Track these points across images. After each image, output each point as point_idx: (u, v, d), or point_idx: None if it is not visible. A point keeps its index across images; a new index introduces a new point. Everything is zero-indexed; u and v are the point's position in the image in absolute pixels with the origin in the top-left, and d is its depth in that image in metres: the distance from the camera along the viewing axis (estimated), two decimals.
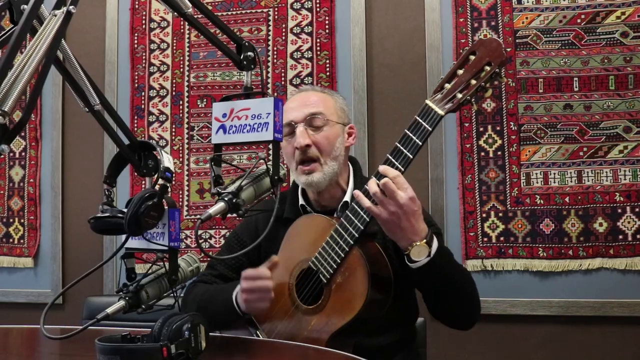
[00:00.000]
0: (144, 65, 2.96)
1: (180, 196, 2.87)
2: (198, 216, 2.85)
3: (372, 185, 1.58)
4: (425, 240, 1.59)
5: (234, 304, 1.73)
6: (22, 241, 3.09)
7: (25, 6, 1.09)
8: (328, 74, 2.74)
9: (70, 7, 1.08)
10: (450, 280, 1.66)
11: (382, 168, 1.60)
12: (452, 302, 1.70)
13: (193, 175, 2.88)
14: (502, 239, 2.53)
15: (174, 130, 2.91)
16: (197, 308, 1.77)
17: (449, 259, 1.70)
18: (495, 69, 1.58)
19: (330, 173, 1.83)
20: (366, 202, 1.59)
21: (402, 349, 1.83)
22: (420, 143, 1.59)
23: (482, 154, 2.57)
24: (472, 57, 1.60)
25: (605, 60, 2.47)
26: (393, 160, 1.61)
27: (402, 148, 1.60)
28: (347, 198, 1.85)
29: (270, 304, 1.70)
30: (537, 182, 2.51)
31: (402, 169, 1.59)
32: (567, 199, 2.48)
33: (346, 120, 1.94)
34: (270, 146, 1.32)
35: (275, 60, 2.81)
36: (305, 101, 1.88)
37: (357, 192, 1.62)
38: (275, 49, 2.81)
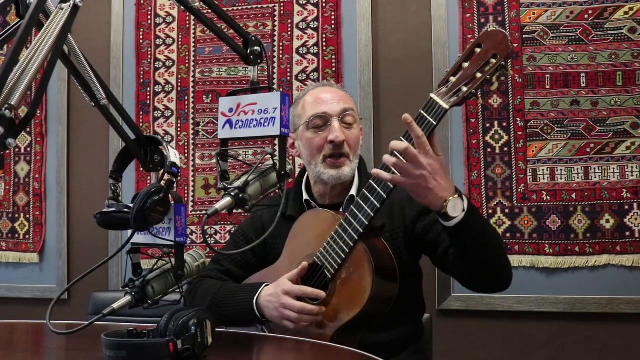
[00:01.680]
0: (149, 60, 2.96)
1: (186, 192, 2.87)
2: (204, 212, 2.85)
3: (389, 158, 1.54)
4: (457, 195, 1.55)
5: (254, 307, 1.72)
6: (27, 237, 3.09)
7: (32, 0, 1.08)
8: (334, 69, 2.74)
9: (77, 0, 1.07)
10: (486, 233, 1.62)
11: (392, 144, 1.56)
12: (490, 257, 1.63)
13: (198, 171, 2.87)
14: (508, 235, 2.52)
15: (179, 125, 2.91)
16: (209, 306, 1.76)
17: (479, 212, 1.70)
18: (501, 62, 1.54)
19: (354, 169, 1.85)
20: (387, 176, 1.55)
21: (408, 345, 1.83)
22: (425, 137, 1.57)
23: (489, 150, 2.56)
24: (478, 50, 1.57)
25: (613, 56, 2.46)
26: (397, 155, 1.59)
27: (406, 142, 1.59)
28: (353, 192, 1.85)
29: None
30: (544, 179, 2.50)
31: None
32: (573, 196, 2.47)
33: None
34: (277, 141, 1.32)
35: (281, 56, 2.80)
36: (336, 95, 1.87)
37: (376, 171, 1.58)
38: (281, 44, 2.81)
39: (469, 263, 1.66)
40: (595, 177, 2.46)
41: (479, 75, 1.54)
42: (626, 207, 2.43)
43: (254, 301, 1.72)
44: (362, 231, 1.61)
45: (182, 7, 1.30)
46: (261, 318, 1.72)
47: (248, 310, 1.72)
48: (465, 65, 1.57)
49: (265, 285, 1.74)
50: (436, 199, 1.54)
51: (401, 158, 1.53)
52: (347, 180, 1.84)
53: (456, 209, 1.54)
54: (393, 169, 1.54)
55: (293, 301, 1.64)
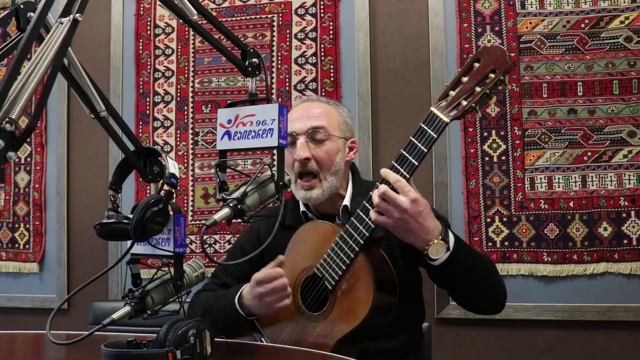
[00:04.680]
0: (148, 70, 2.97)
1: (185, 201, 2.88)
2: (203, 221, 2.85)
3: (375, 197, 1.58)
4: (441, 237, 1.58)
5: (236, 307, 1.74)
6: (27, 246, 3.10)
7: (32, 14, 1.10)
8: (332, 79, 2.75)
9: (77, 15, 1.09)
10: (473, 270, 1.65)
11: (384, 171, 1.60)
12: (478, 291, 1.70)
13: (198, 181, 2.88)
14: (506, 243, 2.53)
15: (178, 135, 2.92)
16: (201, 315, 1.78)
17: (468, 250, 1.71)
18: (499, 77, 1.57)
19: (329, 188, 1.84)
20: (372, 214, 1.60)
21: (408, 353, 1.84)
22: (426, 150, 1.59)
23: (487, 158, 2.57)
24: (477, 65, 1.59)
25: (609, 65, 2.47)
26: (398, 167, 1.60)
27: (407, 155, 1.60)
28: (346, 202, 1.86)
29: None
30: (542, 187, 2.51)
31: (407, 176, 1.59)
32: (571, 204, 2.48)
33: (349, 134, 1.94)
34: (275, 152, 1.33)
35: (279, 66, 2.82)
36: (309, 112, 1.88)
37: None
38: (279, 54, 2.82)
39: (455, 294, 1.76)
40: (592, 186, 2.47)
41: (478, 89, 1.57)
42: (624, 215, 2.44)
43: (236, 300, 1.74)
44: (363, 243, 1.62)
45: (181, 20, 1.31)
46: (247, 317, 1.74)
47: (232, 311, 1.74)
48: (465, 79, 1.60)
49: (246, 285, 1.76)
50: (418, 241, 1.59)
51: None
52: (318, 202, 1.85)
53: (439, 251, 1.58)
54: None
55: (264, 286, 1.66)
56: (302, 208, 1.92)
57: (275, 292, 1.66)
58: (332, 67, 2.76)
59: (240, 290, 1.76)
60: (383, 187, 1.57)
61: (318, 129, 1.84)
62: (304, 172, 1.83)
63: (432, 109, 1.61)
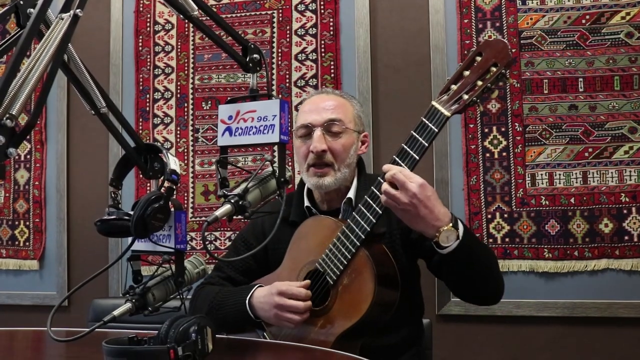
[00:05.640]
0: (148, 67, 2.97)
1: (185, 198, 2.88)
2: (203, 218, 2.85)
3: (384, 185, 1.58)
4: (451, 224, 1.57)
5: (246, 308, 1.73)
6: (27, 244, 3.10)
7: (32, 10, 1.09)
8: (332, 75, 2.74)
9: (77, 10, 1.08)
10: (480, 259, 1.65)
11: (386, 167, 1.59)
12: (481, 280, 1.69)
13: (198, 178, 2.88)
14: (507, 240, 2.53)
15: (178, 132, 2.91)
16: (208, 310, 1.78)
17: (476, 239, 1.71)
18: (501, 70, 1.57)
19: (341, 179, 1.84)
20: (383, 198, 1.58)
21: (408, 348, 1.83)
22: (427, 144, 1.59)
23: (487, 155, 2.57)
24: (478, 59, 1.59)
25: (610, 61, 2.47)
26: (399, 161, 1.61)
27: (408, 149, 1.60)
28: (350, 195, 1.86)
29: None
30: (543, 183, 2.51)
31: (409, 170, 1.59)
32: (572, 200, 2.48)
33: (361, 128, 1.94)
34: (276, 148, 1.33)
35: (279, 62, 2.81)
36: (325, 105, 1.87)
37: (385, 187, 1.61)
38: (279, 50, 2.82)
39: (458, 284, 1.73)
40: (593, 182, 2.46)
41: (479, 83, 1.57)
42: (625, 211, 2.43)
43: (247, 302, 1.73)
44: (364, 237, 1.62)
45: (182, 16, 1.31)
46: (255, 319, 1.73)
47: (241, 312, 1.73)
48: (466, 73, 1.60)
49: (259, 286, 1.75)
50: (428, 227, 1.57)
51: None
52: (329, 189, 1.84)
53: (449, 239, 1.57)
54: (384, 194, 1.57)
55: (289, 301, 1.65)
56: (306, 203, 1.92)
57: (290, 310, 1.65)
58: (332, 63, 2.75)
59: (252, 291, 1.75)
60: (392, 171, 1.56)
61: (335, 122, 1.84)
62: (319, 163, 1.83)
63: (434, 103, 1.61)
